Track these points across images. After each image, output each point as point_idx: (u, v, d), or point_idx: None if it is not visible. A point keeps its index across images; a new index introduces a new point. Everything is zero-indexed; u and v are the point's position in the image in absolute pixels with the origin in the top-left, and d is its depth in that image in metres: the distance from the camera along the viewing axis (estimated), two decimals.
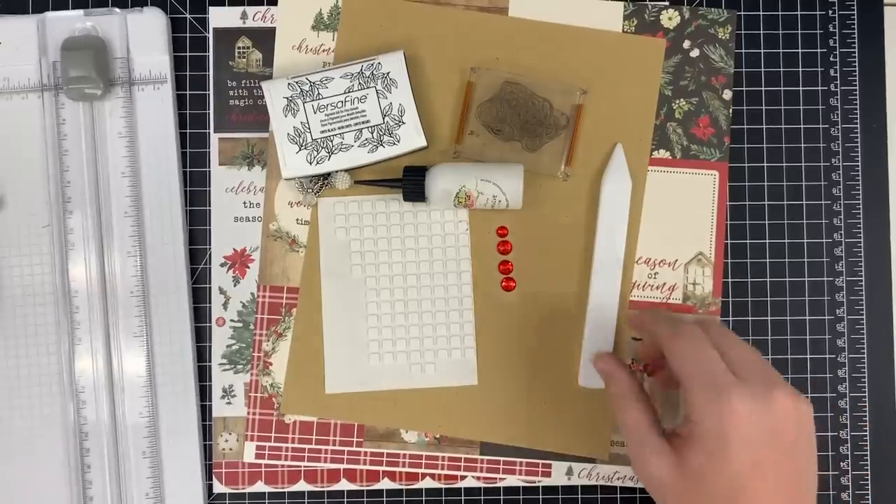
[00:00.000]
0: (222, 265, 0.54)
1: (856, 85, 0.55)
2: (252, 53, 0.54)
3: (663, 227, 0.53)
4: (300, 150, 0.51)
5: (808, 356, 0.54)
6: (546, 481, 0.53)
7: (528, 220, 0.53)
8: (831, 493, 0.54)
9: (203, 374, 0.53)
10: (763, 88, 0.54)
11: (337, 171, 0.52)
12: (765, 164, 0.54)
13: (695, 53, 0.54)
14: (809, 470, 0.42)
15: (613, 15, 0.54)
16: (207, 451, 0.53)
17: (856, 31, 0.55)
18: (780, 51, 0.55)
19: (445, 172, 0.51)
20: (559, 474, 0.53)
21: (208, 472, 0.53)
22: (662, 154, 0.54)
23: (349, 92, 0.51)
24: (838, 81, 0.55)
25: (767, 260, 0.54)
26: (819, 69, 0.55)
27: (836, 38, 0.55)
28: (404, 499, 0.53)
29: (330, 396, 0.53)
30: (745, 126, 0.54)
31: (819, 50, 0.55)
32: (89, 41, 0.52)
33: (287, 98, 0.51)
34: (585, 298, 0.53)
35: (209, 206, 0.54)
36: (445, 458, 0.53)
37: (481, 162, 0.52)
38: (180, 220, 0.53)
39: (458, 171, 0.50)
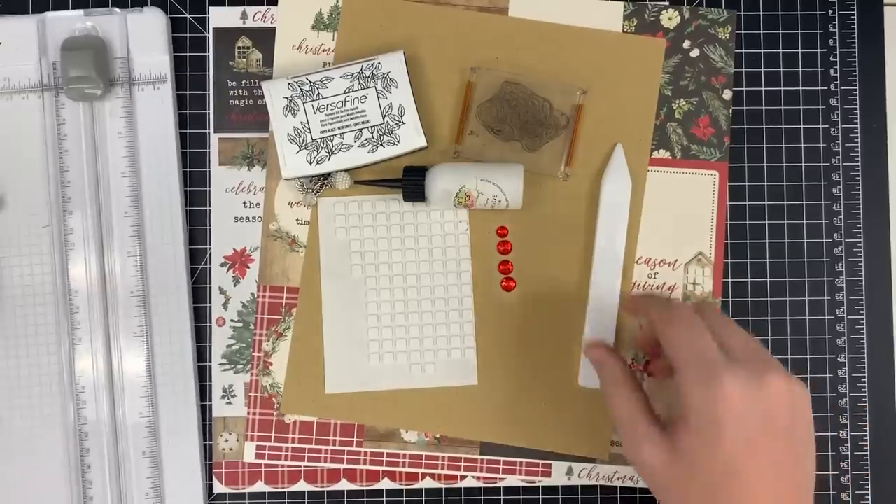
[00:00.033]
0: (222, 265, 0.54)
1: (856, 85, 0.55)
2: (252, 53, 0.54)
3: (663, 227, 0.53)
4: (300, 150, 0.51)
5: (808, 356, 0.54)
6: (546, 481, 0.53)
7: (528, 220, 0.53)
8: (831, 493, 0.54)
9: (203, 374, 0.54)
10: (763, 88, 0.54)
11: (337, 171, 0.52)
12: (765, 164, 0.54)
13: (695, 53, 0.54)
14: (806, 455, 0.41)
15: (613, 15, 0.54)
16: (207, 451, 0.53)
17: (856, 31, 0.55)
18: (780, 51, 0.55)
19: (445, 172, 0.51)
20: (559, 474, 0.53)
21: (208, 472, 0.53)
22: (662, 154, 0.54)
23: (349, 92, 0.51)
24: (838, 81, 0.55)
25: (767, 260, 0.54)
26: (819, 69, 0.55)
27: (836, 38, 0.55)
28: (404, 499, 0.53)
29: (330, 396, 0.53)
30: (745, 126, 0.54)
31: (819, 50, 0.55)
32: (89, 41, 0.52)
33: (287, 98, 0.51)
34: (585, 298, 0.53)
35: (209, 206, 0.54)
36: (445, 458, 0.53)
37: (481, 162, 0.52)
38: (180, 220, 0.53)
39: (458, 171, 0.50)
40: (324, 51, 0.54)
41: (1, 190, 0.53)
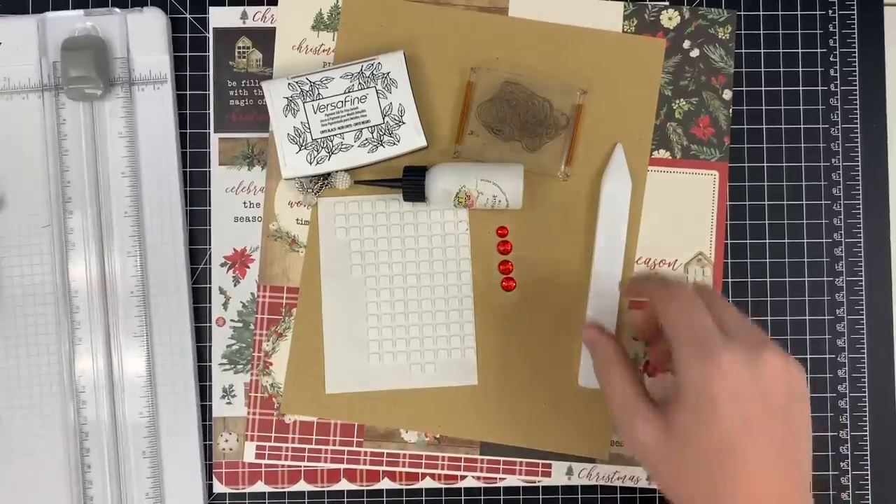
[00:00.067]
0: (222, 265, 0.54)
1: (856, 85, 0.55)
2: (252, 53, 0.54)
3: (663, 227, 0.53)
4: (300, 150, 0.51)
5: (808, 356, 0.54)
6: (546, 481, 0.53)
7: (528, 220, 0.53)
8: (831, 493, 0.54)
9: (203, 374, 0.54)
10: (763, 88, 0.54)
11: (337, 171, 0.52)
12: (765, 164, 0.54)
13: (695, 53, 0.54)
14: (803, 435, 0.41)
15: (613, 15, 0.54)
16: (207, 451, 0.53)
17: (856, 31, 0.55)
18: (780, 51, 0.55)
19: (445, 172, 0.51)
20: (559, 474, 0.53)
21: (208, 472, 0.53)
22: (662, 154, 0.54)
23: (349, 92, 0.51)
24: (838, 81, 0.55)
25: (767, 260, 0.54)
26: (819, 69, 0.55)
27: (836, 38, 0.55)
28: (404, 499, 0.53)
29: (330, 396, 0.53)
30: (745, 126, 0.54)
31: (819, 50, 0.55)
32: (89, 41, 0.52)
33: (287, 98, 0.51)
34: (585, 298, 0.53)
35: (209, 206, 0.54)
36: (445, 458, 0.53)
37: (481, 162, 0.52)
38: (180, 220, 0.53)
39: (458, 171, 0.50)
40: (324, 51, 0.54)
41: (1, 190, 0.53)
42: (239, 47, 0.54)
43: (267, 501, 0.53)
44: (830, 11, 0.55)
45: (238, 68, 0.54)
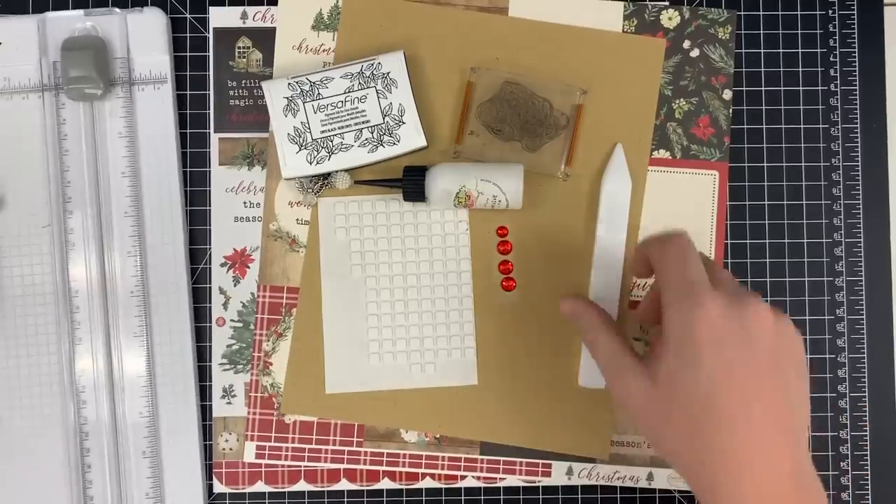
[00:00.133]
0: (222, 265, 0.54)
1: (856, 85, 0.55)
2: (252, 53, 0.54)
3: (663, 227, 0.53)
4: (300, 150, 0.51)
5: (809, 356, 0.54)
6: (546, 481, 0.53)
7: (528, 220, 0.53)
8: (831, 493, 0.54)
9: (203, 374, 0.54)
10: (763, 88, 0.54)
11: (337, 171, 0.52)
12: (765, 164, 0.54)
13: (695, 53, 0.54)
14: (795, 389, 0.40)
15: (613, 15, 0.54)
16: (207, 451, 0.53)
17: (856, 31, 0.55)
18: (780, 51, 0.55)
19: (445, 172, 0.51)
20: (559, 474, 0.53)
21: (208, 471, 0.53)
22: (662, 154, 0.54)
23: (349, 92, 0.51)
24: (838, 81, 0.55)
25: (767, 260, 0.54)
26: (819, 69, 0.55)
27: (836, 38, 0.55)
28: (404, 499, 0.53)
29: (330, 396, 0.53)
30: (745, 126, 0.54)
31: (819, 50, 0.55)
32: (89, 41, 0.52)
33: (287, 98, 0.51)
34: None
35: (209, 206, 0.54)
36: (445, 458, 0.53)
37: (481, 162, 0.52)
38: (180, 220, 0.53)
39: (458, 171, 0.50)
40: (324, 51, 0.54)
41: (1, 190, 0.53)
42: (239, 47, 0.54)
43: (267, 501, 0.53)
44: (830, 11, 0.55)
45: (238, 68, 0.54)
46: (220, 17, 0.54)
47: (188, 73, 0.54)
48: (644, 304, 0.51)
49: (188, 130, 0.54)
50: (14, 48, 0.53)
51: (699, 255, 0.43)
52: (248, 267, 0.54)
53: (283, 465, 0.53)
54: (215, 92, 0.54)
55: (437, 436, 0.53)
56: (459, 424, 0.53)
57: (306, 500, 0.53)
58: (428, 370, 0.53)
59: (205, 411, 0.53)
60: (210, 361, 0.53)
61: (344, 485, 0.53)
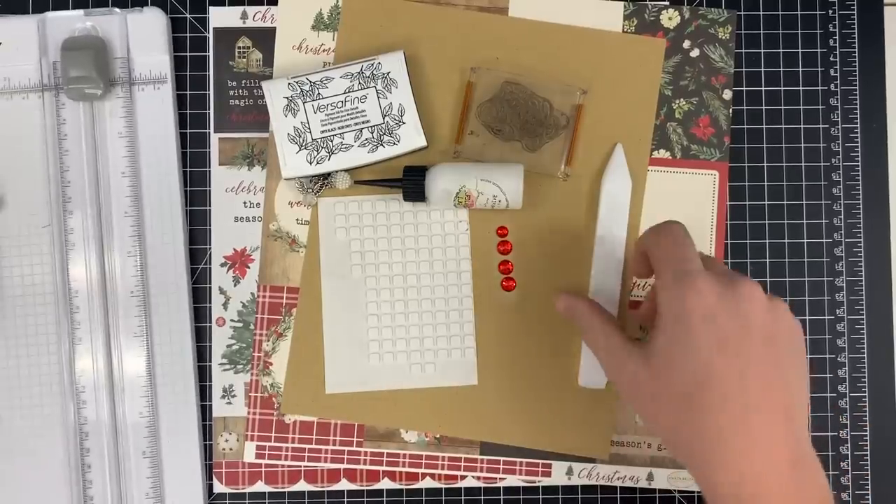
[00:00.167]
0: (222, 265, 0.54)
1: (856, 85, 0.55)
2: (252, 53, 0.54)
3: None
4: (300, 149, 0.51)
5: (809, 356, 0.54)
6: (546, 481, 0.53)
7: (528, 220, 0.53)
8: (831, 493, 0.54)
9: (203, 374, 0.54)
10: (763, 88, 0.54)
11: (337, 171, 0.52)
12: (765, 164, 0.54)
13: (695, 53, 0.54)
14: (790, 367, 0.40)
15: (613, 15, 0.54)
16: (207, 451, 0.53)
17: (856, 31, 0.55)
18: (780, 51, 0.55)
19: (445, 172, 0.51)
20: (559, 474, 0.53)
21: (208, 471, 0.53)
22: (662, 154, 0.54)
23: (349, 92, 0.51)
24: (838, 81, 0.55)
25: (767, 260, 0.54)
26: (819, 69, 0.55)
27: (836, 38, 0.55)
28: (404, 499, 0.53)
29: (330, 396, 0.53)
30: (745, 126, 0.54)
31: (819, 50, 0.55)
32: (89, 41, 0.52)
33: (287, 98, 0.51)
34: None
35: (209, 206, 0.54)
36: (445, 458, 0.53)
37: (481, 162, 0.52)
38: (180, 220, 0.53)
39: (458, 171, 0.50)
40: (324, 51, 0.54)
41: (1, 190, 0.53)
42: (239, 47, 0.54)
43: (267, 501, 0.53)
44: (830, 11, 0.55)
45: (238, 68, 0.54)
46: (220, 17, 0.54)
47: (188, 73, 0.54)
48: (645, 304, 0.51)
49: (188, 130, 0.54)
50: (14, 48, 0.53)
51: (694, 244, 0.43)
52: (248, 267, 0.54)
53: (283, 465, 0.53)
54: (215, 92, 0.54)
55: (437, 436, 0.53)
56: (459, 424, 0.53)
57: (306, 500, 0.53)
58: (428, 370, 0.53)
59: (205, 411, 0.53)
60: (210, 361, 0.53)
61: (344, 485, 0.53)
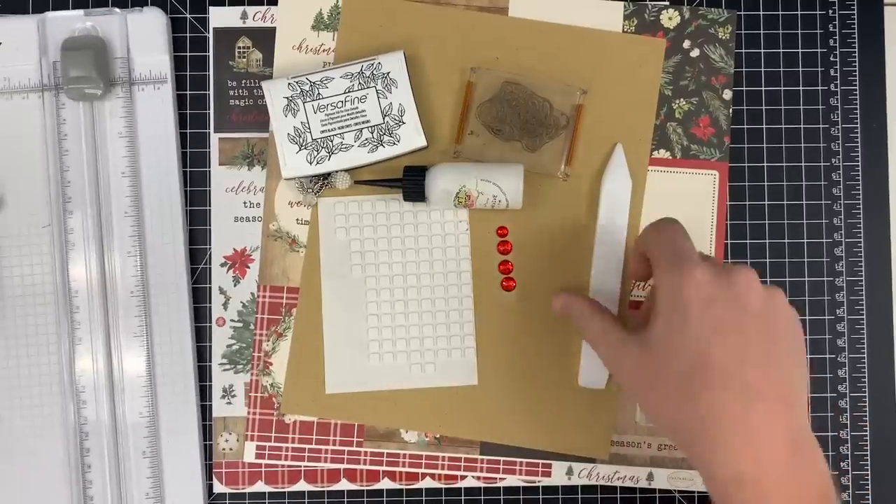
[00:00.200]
0: (222, 265, 0.54)
1: (856, 85, 0.55)
2: (252, 53, 0.54)
3: None
4: (300, 149, 0.51)
5: (809, 356, 0.54)
6: (546, 481, 0.53)
7: (528, 220, 0.53)
8: None
9: (203, 374, 0.54)
10: (763, 88, 0.54)
11: (337, 171, 0.52)
12: (765, 164, 0.54)
13: (695, 53, 0.54)
14: (785, 349, 0.40)
15: (613, 15, 0.54)
16: (207, 451, 0.53)
17: (856, 31, 0.55)
18: (780, 51, 0.55)
19: (445, 172, 0.51)
20: (559, 474, 0.53)
21: (208, 471, 0.53)
22: (662, 154, 0.54)
23: (349, 92, 0.51)
24: (838, 81, 0.55)
25: (767, 260, 0.54)
26: (819, 69, 0.55)
27: (836, 38, 0.55)
28: (404, 499, 0.53)
29: (330, 396, 0.53)
30: (745, 126, 0.54)
31: (819, 50, 0.55)
32: (89, 41, 0.52)
33: (287, 98, 0.51)
34: None
35: (209, 206, 0.54)
36: (445, 458, 0.53)
37: (481, 162, 0.52)
38: (180, 220, 0.53)
39: (458, 171, 0.50)
40: (324, 51, 0.54)
41: (1, 190, 0.53)
42: (239, 47, 0.54)
43: (267, 501, 0.53)
44: (830, 11, 0.55)
45: (238, 68, 0.54)
46: (220, 17, 0.54)
47: (188, 73, 0.54)
48: (645, 304, 0.51)
49: (188, 130, 0.54)
50: (14, 48, 0.53)
51: (691, 239, 0.43)
52: (248, 267, 0.54)
53: (283, 465, 0.53)
54: (215, 92, 0.54)
55: (437, 436, 0.53)
56: (459, 424, 0.53)
57: (306, 500, 0.53)
58: (428, 370, 0.53)
59: (205, 411, 0.53)
60: (210, 361, 0.53)
61: (344, 485, 0.53)
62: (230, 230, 0.54)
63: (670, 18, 0.54)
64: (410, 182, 0.51)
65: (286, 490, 0.53)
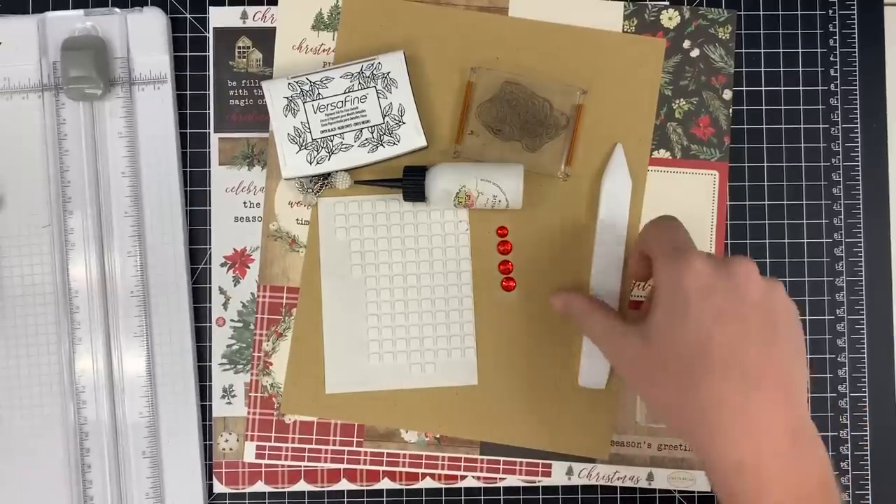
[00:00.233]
0: (222, 265, 0.54)
1: (856, 85, 0.55)
2: (252, 53, 0.54)
3: None
4: (300, 149, 0.51)
5: (809, 356, 0.54)
6: (546, 481, 0.53)
7: (528, 220, 0.53)
8: None
9: (203, 374, 0.54)
10: (763, 88, 0.54)
11: (337, 171, 0.52)
12: (765, 164, 0.54)
13: (695, 53, 0.54)
14: (785, 338, 0.40)
15: (613, 15, 0.54)
16: (207, 451, 0.53)
17: (856, 31, 0.55)
18: (780, 51, 0.55)
19: (445, 172, 0.51)
20: (559, 474, 0.53)
21: (208, 472, 0.53)
22: (662, 154, 0.54)
23: (349, 92, 0.51)
24: (838, 81, 0.55)
25: (767, 260, 0.54)
26: (819, 69, 0.55)
27: (836, 37, 0.55)
28: (404, 499, 0.53)
29: (330, 396, 0.53)
30: (745, 126, 0.54)
31: (819, 50, 0.55)
32: (89, 41, 0.52)
33: (287, 98, 0.51)
34: None
35: (209, 206, 0.54)
36: (445, 458, 0.53)
37: (481, 162, 0.52)
38: (180, 220, 0.53)
39: (458, 171, 0.50)
40: (324, 51, 0.54)
41: (1, 190, 0.53)
42: (239, 47, 0.54)
43: (267, 501, 0.53)
44: (830, 11, 0.55)
45: (238, 68, 0.54)
46: (220, 17, 0.54)
47: (188, 73, 0.54)
48: (645, 304, 0.51)
49: (188, 130, 0.54)
50: (14, 48, 0.53)
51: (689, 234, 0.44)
52: (248, 267, 0.54)
53: (283, 465, 0.53)
54: (215, 92, 0.54)
55: (437, 436, 0.53)
56: (459, 424, 0.53)
57: (306, 500, 0.53)
58: (428, 370, 0.53)
59: (205, 411, 0.53)
60: (210, 361, 0.53)
61: (344, 485, 0.53)
62: (230, 230, 0.54)
63: (670, 18, 0.54)
64: (410, 182, 0.51)
65: (286, 490, 0.53)
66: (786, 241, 0.54)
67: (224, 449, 0.53)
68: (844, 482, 0.54)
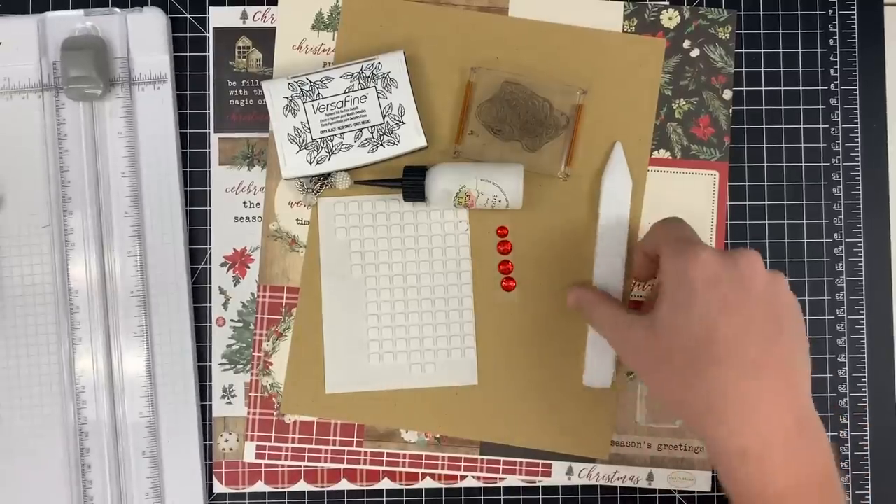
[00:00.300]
0: (222, 265, 0.54)
1: (856, 85, 0.55)
2: (252, 53, 0.54)
3: None
4: (300, 149, 0.51)
5: (809, 357, 0.54)
6: (546, 481, 0.53)
7: (528, 220, 0.53)
8: None
9: (203, 374, 0.54)
10: (763, 88, 0.54)
11: (337, 171, 0.52)
12: (765, 164, 0.54)
13: (695, 53, 0.54)
14: (789, 329, 0.41)
15: (613, 15, 0.54)
16: (207, 451, 0.53)
17: (856, 31, 0.55)
18: (780, 51, 0.55)
19: (445, 172, 0.51)
20: (559, 474, 0.53)
21: (208, 472, 0.53)
22: (662, 154, 0.54)
23: (349, 92, 0.51)
24: (838, 81, 0.55)
25: (767, 260, 0.54)
26: (819, 69, 0.55)
27: (836, 37, 0.55)
28: (404, 499, 0.53)
29: (330, 396, 0.53)
30: (745, 126, 0.54)
31: (819, 50, 0.55)
32: (89, 41, 0.52)
33: (287, 98, 0.51)
34: None
35: (209, 206, 0.54)
36: (445, 458, 0.53)
37: (481, 162, 0.52)
38: (180, 220, 0.53)
39: (458, 171, 0.50)
40: (324, 51, 0.54)
41: (1, 190, 0.53)
42: (239, 47, 0.54)
43: (267, 501, 0.53)
44: (830, 11, 0.55)
45: (238, 68, 0.54)
46: (220, 17, 0.54)
47: (188, 73, 0.54)
48: (646, 304, 0.51)
49: (188, 130, 0.54)
50: (14, 48, 0.53)
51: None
52: (248, 267, 0.54)
53: (283, 465, 0.53)
54: (215, 92, 0.54)
55: (437, 436, 0.53)
56: (459, 424, 0.53)
57: (306, 500, 0.53)
58: (428, 370, 0.53)
59: (205, 411, 0.53)
60: (210, 361, 0.53)
61: (344, 485, 0.53)
62: (230, 230, 0.54)
63: (670, 18, 0.54)
64: (410, 182, 0.51)
65: (286, 490, 0.53)
66: (786, 241, 0.54)
67: (224, 449, 0.53)
68: (844, 482, 0.54)
